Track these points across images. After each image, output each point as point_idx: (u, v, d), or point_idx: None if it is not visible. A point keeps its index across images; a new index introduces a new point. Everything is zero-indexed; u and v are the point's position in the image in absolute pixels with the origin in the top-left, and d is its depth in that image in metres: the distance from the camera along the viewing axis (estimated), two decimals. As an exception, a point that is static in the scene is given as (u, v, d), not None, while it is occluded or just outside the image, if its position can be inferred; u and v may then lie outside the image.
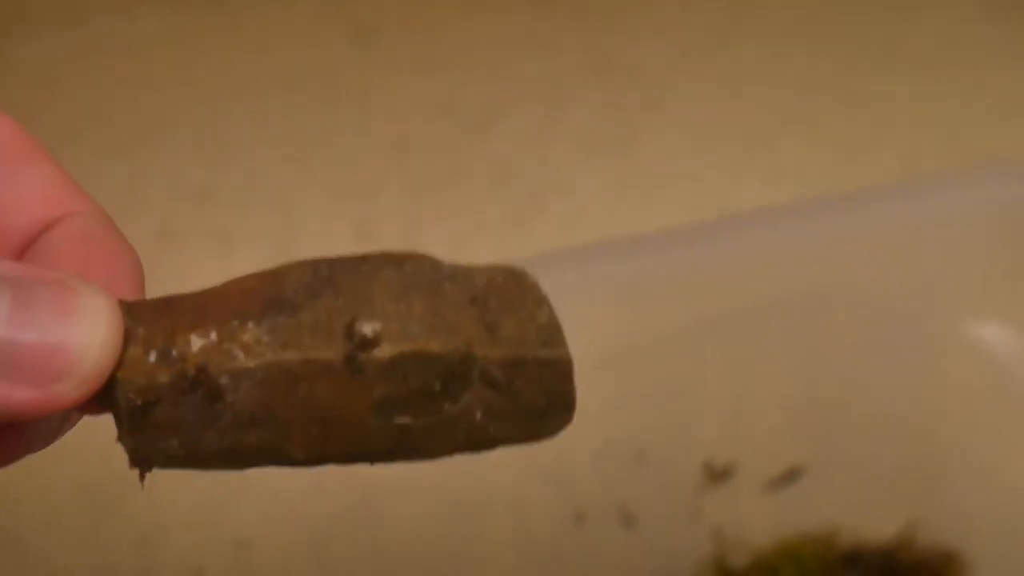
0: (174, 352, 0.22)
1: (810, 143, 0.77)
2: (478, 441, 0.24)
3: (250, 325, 0.22)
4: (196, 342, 0.22)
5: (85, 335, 0.20)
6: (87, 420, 0.36)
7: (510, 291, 0.25)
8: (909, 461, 0.52)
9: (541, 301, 0.25)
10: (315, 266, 0.23)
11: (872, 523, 0.53)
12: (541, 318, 0.25)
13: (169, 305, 0.23)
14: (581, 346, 0.44)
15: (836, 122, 0.78)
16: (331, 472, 0.42)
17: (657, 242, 0.43)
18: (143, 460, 0.23)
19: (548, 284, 0.42)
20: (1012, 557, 0.49)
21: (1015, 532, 0.49)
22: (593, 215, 0.72)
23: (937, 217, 0.45)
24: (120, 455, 0.37)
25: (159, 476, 0.39)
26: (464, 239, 0.70)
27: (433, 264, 0.24)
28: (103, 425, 0.23)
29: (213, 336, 0.22)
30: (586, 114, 0.79)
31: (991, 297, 0.48)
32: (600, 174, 0.75)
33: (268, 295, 0.23)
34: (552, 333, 0.25)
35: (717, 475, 0.50)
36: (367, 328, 0.23)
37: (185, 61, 0.82)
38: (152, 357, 0.22)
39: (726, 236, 0.43)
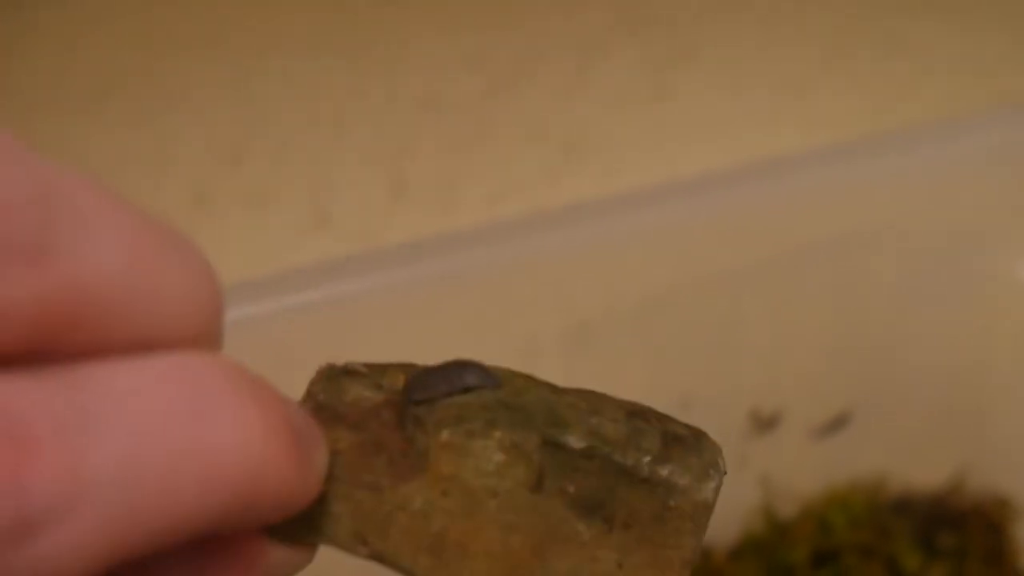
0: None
1: (847, 90, 0.76)
2: None
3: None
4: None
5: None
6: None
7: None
8: (958, 405, 0.51)
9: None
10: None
11: (921, 469, 0.52)
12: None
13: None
14: (624, 294, 0.44)
15: (873, 68, 0.77)
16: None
17: (697, 186, 0.42)
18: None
19: (587, 233, 0.42)
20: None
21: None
22: (627, 169, 0.71)
23: (982, 156, 0.44)
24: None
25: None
26: (498, 197, 0.69)
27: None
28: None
29: None
30: (618, 67, 0.78)
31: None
32: (633, 127, 0.74)
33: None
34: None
35: (763, 423, 0.50)
36: None
37: (214, 23, 0.82)
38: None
39: (767, 179, 0.43)
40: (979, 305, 0.48)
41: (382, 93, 0.76)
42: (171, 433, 0.17)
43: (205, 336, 0.18)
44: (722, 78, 0.77)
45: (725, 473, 0.23)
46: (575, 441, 0.22)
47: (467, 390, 0.22)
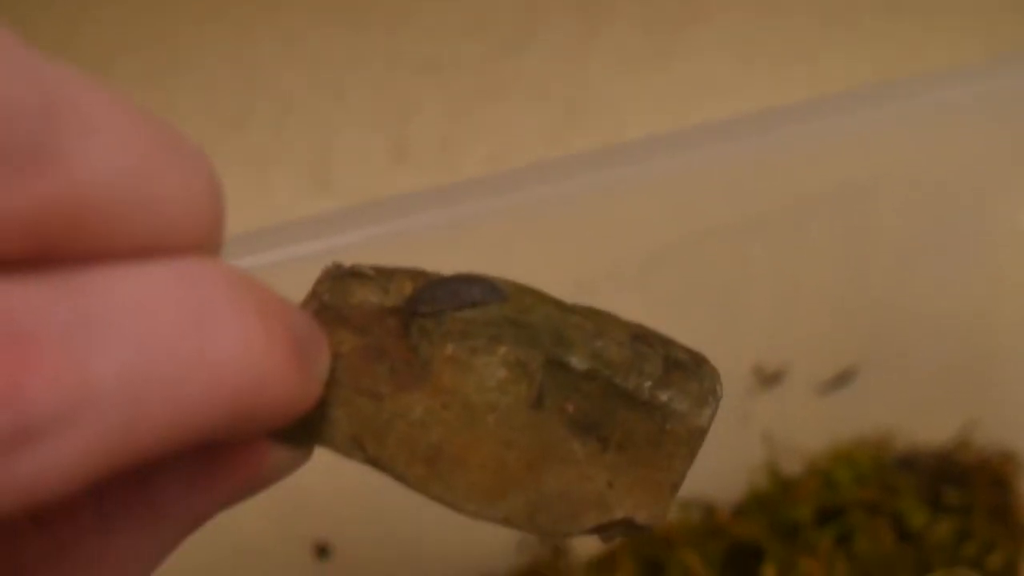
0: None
1: (854, 50, 0.75)
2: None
3: None
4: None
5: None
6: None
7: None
8: (964, 360, 0.50)
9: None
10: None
11: (927, 425, 0.52)
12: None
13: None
14: (625, 248, 0.43)
15: (876, 28, 0.77)
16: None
17: (696, 138, 0.42)
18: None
19: (587, 183, 0.41)
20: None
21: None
22: (632, 131, 0.71)
23: (989, 104, 0.44)
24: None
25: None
26: (500, 159, 0.69)
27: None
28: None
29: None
30: (622, 28, 0.78)
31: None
32: (638, 89, 0.73)
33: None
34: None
35: (768, 379, 0.49)
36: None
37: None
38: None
39: (769, 130, 0.42)
40: (985, 258, 0.48)
41: (383, 56, 0.76)
42: (175, 342, 0.17)
43: (207, 241, 0.18)
44: (726, 40, 0.77)
45: (721, 398, 0.23)
46: (578, 362, 0.23)
47: (474, 305, 0.23)
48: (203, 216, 0.18)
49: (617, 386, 0.23)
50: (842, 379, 0.51)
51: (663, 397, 0.23)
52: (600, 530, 0.23)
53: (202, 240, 0.18)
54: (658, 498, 0.23)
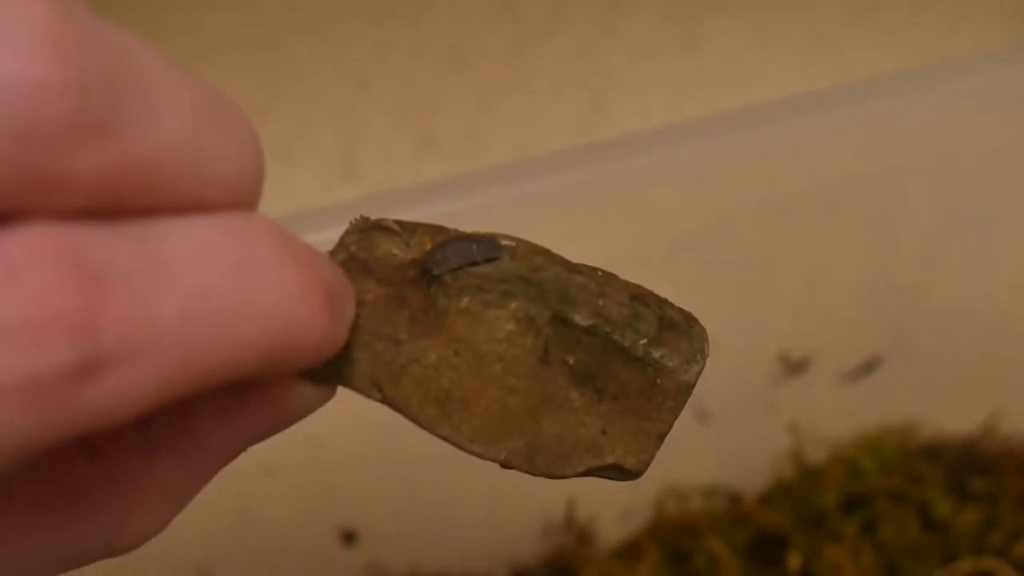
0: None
1: (874, 42, 0.75)
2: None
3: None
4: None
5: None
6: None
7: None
8: (990, 349, 0.50)
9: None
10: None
11: (953, 414, 0.52)
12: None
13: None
14: (651, 235, 0.43)
15: (900, 19, 0.76)
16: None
17: (725, 125, 0.42)
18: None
19: (615, 170, 0.41)
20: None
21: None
22: (656, 120, 0.71)
23: (1016, 92, 0.44)
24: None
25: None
26: (525, 149, 0.69)
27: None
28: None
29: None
30: (647, 17, 0.77)
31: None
32: (663, 79, 0.73)
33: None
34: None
35: (793, 367, 0.49)
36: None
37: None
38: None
39: (797, 117, 0.42)
40: (1010, 245, 0.47)
41: (408, 46, 0.76)
42: (225, 288, 0.18)
43: (250, 197, 0.20)
44: (750, 30, 0.76)
45: (708, 356, 0.25)
46: (581, 319, 0.24)
47: (488, 261, 0.24)
48: (247, 173, 0.19)
49: (615, 342, 0.25)
50: (867, 367, 0.50)
51: (656, 354, 0.25)
52: (591, 473, 0.25)
53: (245, 196, 0.20)
54: (646, 446, 0.25)
